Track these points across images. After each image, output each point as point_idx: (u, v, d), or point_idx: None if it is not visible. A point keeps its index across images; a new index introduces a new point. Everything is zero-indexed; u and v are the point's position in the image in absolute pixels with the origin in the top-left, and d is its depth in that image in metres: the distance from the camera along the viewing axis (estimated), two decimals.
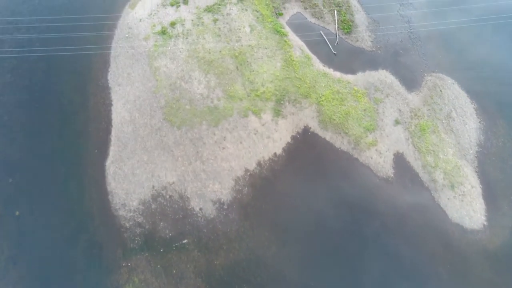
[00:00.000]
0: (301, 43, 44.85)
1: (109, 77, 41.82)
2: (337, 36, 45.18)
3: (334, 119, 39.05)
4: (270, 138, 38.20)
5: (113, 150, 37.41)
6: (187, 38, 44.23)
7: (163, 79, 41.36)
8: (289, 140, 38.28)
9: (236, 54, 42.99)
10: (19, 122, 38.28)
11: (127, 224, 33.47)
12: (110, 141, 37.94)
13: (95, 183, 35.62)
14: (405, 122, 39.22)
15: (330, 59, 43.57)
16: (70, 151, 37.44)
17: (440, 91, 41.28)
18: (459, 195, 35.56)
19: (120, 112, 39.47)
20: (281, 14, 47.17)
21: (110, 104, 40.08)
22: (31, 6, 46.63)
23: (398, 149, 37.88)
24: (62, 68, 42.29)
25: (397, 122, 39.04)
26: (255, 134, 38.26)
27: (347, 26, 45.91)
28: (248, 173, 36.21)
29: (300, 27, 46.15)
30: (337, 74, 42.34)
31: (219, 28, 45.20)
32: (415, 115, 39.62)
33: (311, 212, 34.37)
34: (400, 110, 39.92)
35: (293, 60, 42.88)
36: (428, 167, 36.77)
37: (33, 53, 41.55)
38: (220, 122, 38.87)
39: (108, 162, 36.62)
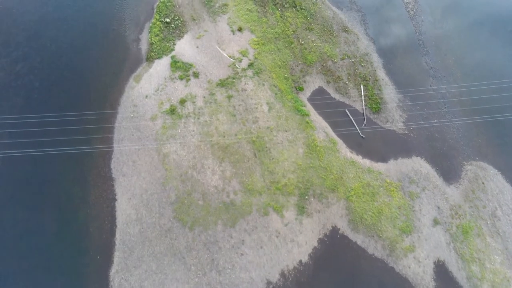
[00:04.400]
0: (324, 124, 48.23)
1: (112, 166, 44.72)
2: (365, 116, 48.68)
3: (366, 219, 41.56)
4: (295, 242, 40.55)
5: (118, 256, 39.63)
6: (198, 118, 47.61)
7: (172, 169, 44.24)
8: (315, 244, 40.60)
9: (254, 138, 46.20)
10: (10, 222, 40.61)
11: None
12: (114, 245, 40.25)
13: None
14: (445, 223, 41.71)
15: (358, 144, 46.80)
16: (69, 258, 39.61)
17: (482, 183, 44.12)
18: None
19: (125, 209, 42.03)
20: (301, 89, 50.95)
21: (114, 199, 42.73)
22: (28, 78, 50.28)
23: (439, 256, 40.15)
24: (59, 154, 44.94)
25: (436, 223, 41.53)
26: (277, 236, 40.64)
27: (375, 104, 49.51)
28: (271, 286, 38.18)
29: (323, 105, 49.82)
30: (367, 163, 45.32)
31: (234, 107, 48.73)
32: (456, 213, 42.18)
33: None
34: (438, 208, 42.55)
35: (317, 146, 46.01)
36: (473, 279, 38.87)
37: (29, 152, 44.51)
38: (237, 222, 41.34)
39: (112, 272, 38.76)
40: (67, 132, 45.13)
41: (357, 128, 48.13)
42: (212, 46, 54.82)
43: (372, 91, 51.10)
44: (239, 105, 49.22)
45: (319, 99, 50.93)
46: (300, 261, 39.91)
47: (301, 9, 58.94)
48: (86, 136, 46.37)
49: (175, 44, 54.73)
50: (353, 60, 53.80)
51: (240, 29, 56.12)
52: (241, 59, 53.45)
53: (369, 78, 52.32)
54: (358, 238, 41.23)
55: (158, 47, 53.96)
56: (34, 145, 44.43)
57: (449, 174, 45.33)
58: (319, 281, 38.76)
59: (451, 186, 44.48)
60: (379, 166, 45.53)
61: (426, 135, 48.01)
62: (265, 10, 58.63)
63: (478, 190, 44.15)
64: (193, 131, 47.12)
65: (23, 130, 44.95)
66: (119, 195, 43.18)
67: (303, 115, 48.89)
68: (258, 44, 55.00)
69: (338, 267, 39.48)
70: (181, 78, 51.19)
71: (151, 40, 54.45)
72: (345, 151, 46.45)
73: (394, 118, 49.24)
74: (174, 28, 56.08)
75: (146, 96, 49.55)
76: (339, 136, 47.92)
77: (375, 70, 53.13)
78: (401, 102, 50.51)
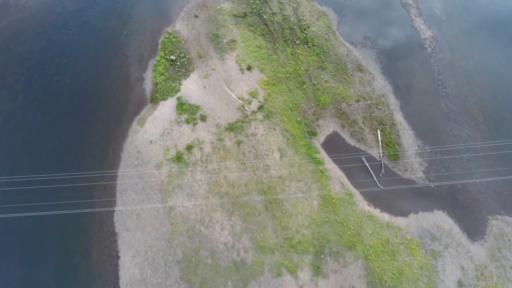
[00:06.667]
0: (340, 173, 49.01)
1: (115, 219, 45.40)
2: (382, 165, 49.42)
3: (386, 280, 41.96)
4: None
5: None
6: (206, 166, 48.38)
7: (179, 223, 44.87)
8: None
9: (265, 189, 46.88)
10: (6, 281, 41.22)
11: None
12: None
13: None
14: (470, 285, 42.16)
15: (375, 196, 47.51)
16: None
17: (509, 240, 44.72)
18: None
19: (129, 268, 42.55)
20: (314, 134, 51.86)
21: (117, 257, 43.27)
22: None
23: None
24: (58, 206, 45.45)
25: (460, 285, 41.98)
26: None
27: (393, 151, 50.38)
28: None
29: (338, 152, 50.78)
30: (385, 217, 45.92)
31: (244, 154, 49.59)
32: (482, 274, 42.60)
33: None
34: (463, 268, 43.01)
35: (333, 198, 46.71)
36: None
37: (26, 214, 45.21)
38: (248, 283, 41.80)
39: None
40: (67, 189, 45.68)
41: (375, 177, 48.84)
42: (220, 86, 56.02)
43: (389, 137, 52.00)
44: (249, 151, 50.07)
45: (334, 145, 51.88)
46: None
47: (313, 45, 60.34)
48: (88, 186, 46.69)
49: (181, 84, 55.89)
50: (368, 102, 54.87)
51: (249, 68, 57.36)
52: (251, 101, 54.58)
53: (386, 122, 53.27)
54: None
55: (163, 87, 55.06)
56: (32, 200, 44.85)
57: (473, 230, 45.89)
58: None
59: (475, 244, 45.00)
60: (399, 220, 46.11)
61: (448, 186, 48.71)
62: (275, 47, 60.04)
63: (505, 249, 44.64)
64: (201, 180, 47.86)
65: (20, 188, 45.53)
66: (122, 252, 43.69)
67: (317, 163, 49.67)
68: (268, 84, 56.19)
69: None
70: (187, 122, 52.14)
71: (156, 79, 55.65)
72: (363, 204, 47.09)
73: (414, 167, 50.02)
74: (180, 66, 57.33)
75: (151, 142, 50.45)
76: (355, 186, 48.65)
77: (392, 113, 54.16)
78: (420, 149, 51.37)
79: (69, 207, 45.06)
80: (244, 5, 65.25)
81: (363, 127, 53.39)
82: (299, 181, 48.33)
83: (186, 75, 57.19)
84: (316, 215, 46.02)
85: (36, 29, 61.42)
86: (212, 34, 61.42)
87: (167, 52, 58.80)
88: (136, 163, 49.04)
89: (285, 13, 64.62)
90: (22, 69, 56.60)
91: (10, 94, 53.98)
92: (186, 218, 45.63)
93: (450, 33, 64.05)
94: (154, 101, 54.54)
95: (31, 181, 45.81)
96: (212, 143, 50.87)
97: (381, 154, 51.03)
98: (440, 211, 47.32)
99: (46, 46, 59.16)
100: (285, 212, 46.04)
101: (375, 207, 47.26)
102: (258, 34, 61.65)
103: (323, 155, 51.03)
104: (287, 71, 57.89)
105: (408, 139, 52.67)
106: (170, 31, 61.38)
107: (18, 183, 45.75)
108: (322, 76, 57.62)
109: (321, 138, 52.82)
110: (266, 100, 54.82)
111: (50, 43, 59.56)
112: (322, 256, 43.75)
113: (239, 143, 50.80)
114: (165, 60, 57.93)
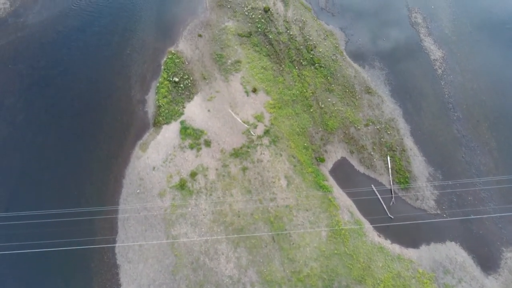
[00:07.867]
0: (349, 202, 48.99)
1: (116, 250, 45.34)
2: (392, 193, 49.35)
3: None
4: None
5: None
6: (211, 194, 48.38)
7: (183, 254, 44.78)
8: None
9: (272, 218, 46.83)
10: None
11: None
12: None
13: None
14: None
15: (386, 226, 47.73)
16: None
17: None
18: None
19: None
20: (322, 161, 51.89)
21: None
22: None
23: None
24: (58, 236, 45.41)
25: None
26: None
27: (403, 179, 50.35)
28: None
29: (346, 179, 50.83)
30: (396, 248, 45.81)
31: (249, 181, 49.58)
32: None
33: None
34: None
35: (341, 228, 46.68)
36: None
37: (26, 249, 45.20)
38: None
39: None
40: (67, 222, 45.62)
41: (385, 207, 48.77)
42: (224, 109, 56.18)
43: (399, 163, 52.08)
44: (254, 179, 50.09)
45: (342, 172, 52.00)
46: None
47: (320, 67, 60.60)
48: (89, 220, 46.63)
49: (184, 107, 56.04)
50: (378, 127, 54.97)
51: (254, 90, 57.60)
52: (256, 125, 54.73)
53: (396, 148, 53.33)
54: None
55: (166, 111, 55.23)
56: (30, 235, 44.85)
57: (487, 262, 45.74)
58: None
59: (489, 277, 44.86)
60: (410, 253, 46.02)
61: (460, 216, 48.65)
62: (281, 68, 60.31)
63: None
64: (205, 209, 47.83)
65: (18, 222, 45.57)
66: (124, 285, 43.69)
67: (325, 191, 49.68)
68: (274, 107, 56.36)
69: None
70: (191, 147, 52.23)
71: (159, 102, 55.83)
72: (373, 235, 47.00)
73: (425, 196, 49.99)
74: (183, 89, 57.55)
75: (154, 168, 50.51)
76: (365, 216, 48.71)
77: (402, 139, 54.24)
78: (431, 177, 51.39)
79: (68, 244, 44.75)
80: (249, 24, 65.58)
81: (372, 153, 53.44)
82: (307, 210, 48.30)
83: (189, 98, 57.38)
84: (324, 247, 45.92)
85: (36, 48, 61.81)
86: (216, 55, 61.75)
87: (170, 73, 59.07)
88: (138, 191, 49.06)
89: (291, 33, 64.99)
90: (21, 89, 56.79)
91: (8, 115, 54.00)
92: (190, 249, 45.54)
93: (461, 53, 64.37)
94: (157, 125, 54.70)
95: (29, 215, 45.68)
96: (216, 169, 50.91)
97: (391, 182, 51.04)
98: (453, 243, 47.25)
99: (45, 66, 59.59)
100: (293, 244, 45.96)
101: (385, 238, 47.17)
102: (264, 55, 61.97)
103: (331, 182, 51.04)
104: (293, 94, 58.10)
105: (419, 166, 52.69)
106: (173, 51, 61.68)
107: (15, 217, 45.64)
108: (329, 99, 57.80)
109: (329, 164, 52.85)
110: (272, 124, 54.96)
111: (50, 62, 59.94)
112: None
113: (244, 169, 50.84)
114: (168, 81, 58.17)
